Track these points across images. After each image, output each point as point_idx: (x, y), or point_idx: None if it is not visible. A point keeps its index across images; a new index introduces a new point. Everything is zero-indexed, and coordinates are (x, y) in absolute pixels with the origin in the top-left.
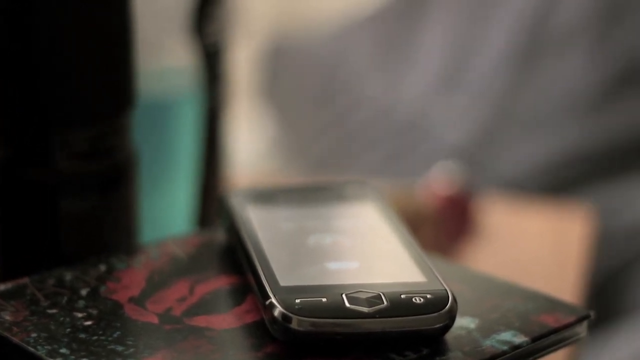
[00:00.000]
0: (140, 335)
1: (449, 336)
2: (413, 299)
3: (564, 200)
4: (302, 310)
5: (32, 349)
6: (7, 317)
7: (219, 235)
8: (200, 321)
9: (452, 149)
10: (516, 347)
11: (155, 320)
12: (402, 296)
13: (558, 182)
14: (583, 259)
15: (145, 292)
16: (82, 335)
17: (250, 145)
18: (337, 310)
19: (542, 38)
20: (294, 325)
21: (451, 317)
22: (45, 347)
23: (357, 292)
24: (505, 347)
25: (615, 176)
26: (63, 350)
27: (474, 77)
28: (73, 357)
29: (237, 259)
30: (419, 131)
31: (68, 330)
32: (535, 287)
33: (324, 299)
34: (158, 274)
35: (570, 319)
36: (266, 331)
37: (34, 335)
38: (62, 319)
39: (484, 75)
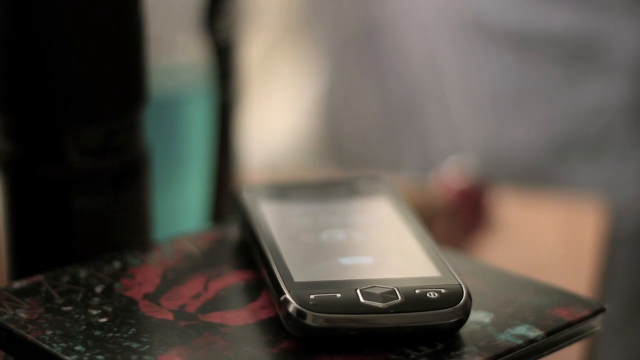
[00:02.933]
0: (155, 332)
1: (464, 331)
2: (427, 294)
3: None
4: (317, 306)
5: (47, 347)
6: (22, 315)
7: (233, 231)
8: (214, 317)
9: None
10: (531, 341)
11: (170, 316)
12: (417, 291)
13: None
14: (597, 252)
15: (159, 288)
16: (97, 333)
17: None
18: (352, 306)
19: None
20: (308, 321)
21: (466, 311)
22: (61, 344)
23: (371, 287)
24: (520, 341)
25: None
26: (78, 348)
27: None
28: (88, 354)
29: (251, 255)
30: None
31: (83, 327)
32: (549, 281)
33: (339, 295)
34: (172, 271)
35: (585, 312)
36: (281, 327)
37: (49, 332)
38: (77, 316)
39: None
